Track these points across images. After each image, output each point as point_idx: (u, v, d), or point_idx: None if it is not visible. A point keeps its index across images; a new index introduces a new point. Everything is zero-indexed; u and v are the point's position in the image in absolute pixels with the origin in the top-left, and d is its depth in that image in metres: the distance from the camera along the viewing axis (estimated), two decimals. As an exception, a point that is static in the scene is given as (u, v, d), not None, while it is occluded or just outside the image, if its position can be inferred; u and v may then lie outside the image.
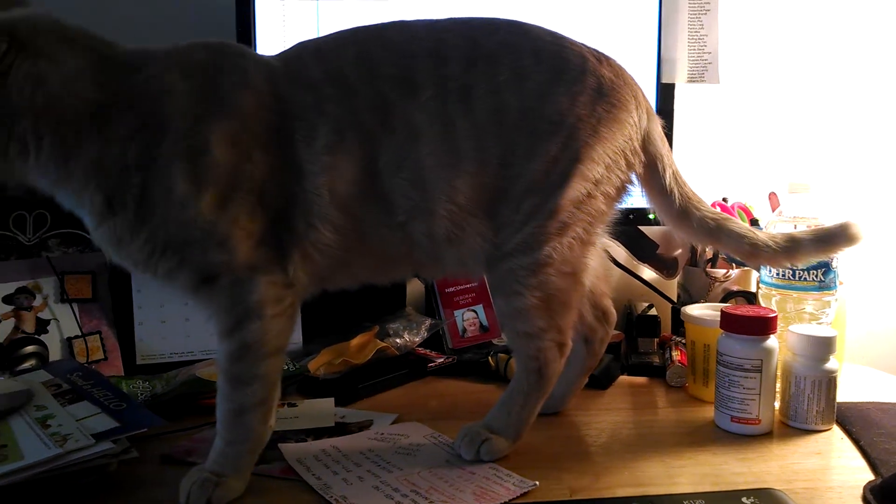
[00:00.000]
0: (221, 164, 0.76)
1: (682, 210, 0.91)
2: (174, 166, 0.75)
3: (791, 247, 0.91)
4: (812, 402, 0.94)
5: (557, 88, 0.82)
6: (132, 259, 0.79)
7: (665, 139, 0.91)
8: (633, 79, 0.88)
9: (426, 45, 0.82)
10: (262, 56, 0.84)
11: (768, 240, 0.91)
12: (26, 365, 1.03)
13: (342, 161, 0.79)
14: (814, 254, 0.92)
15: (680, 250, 1.31)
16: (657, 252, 1.29)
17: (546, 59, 0.83)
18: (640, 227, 1.25)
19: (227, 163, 0.76)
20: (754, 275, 1.25)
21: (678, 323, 1.22)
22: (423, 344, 1.19)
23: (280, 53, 0.85)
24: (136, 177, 0.75)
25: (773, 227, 1.06)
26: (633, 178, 0.88)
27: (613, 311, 1.01)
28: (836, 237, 0.90)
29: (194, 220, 0.76)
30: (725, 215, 0.93)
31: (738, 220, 0.93)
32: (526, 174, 0.82)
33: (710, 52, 1.20)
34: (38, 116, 0.74)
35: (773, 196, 1.25)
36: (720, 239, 0.92)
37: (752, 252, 0.91)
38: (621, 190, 0.87)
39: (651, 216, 1.15)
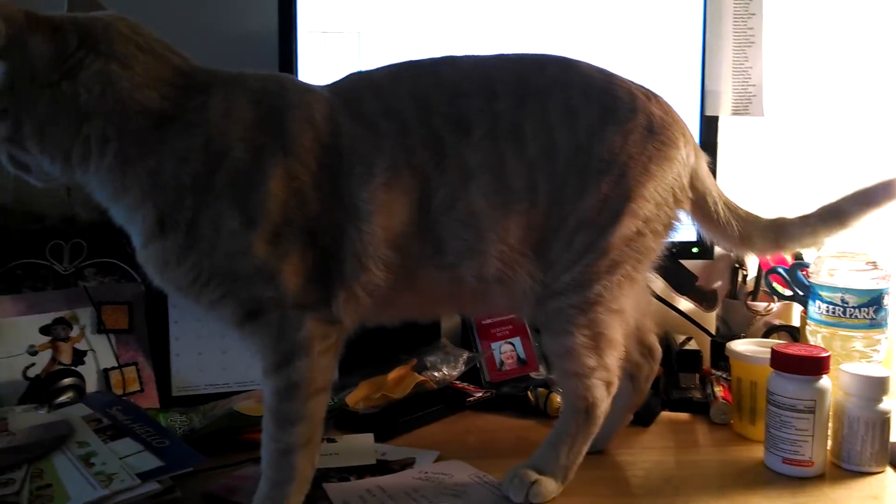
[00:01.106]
0: (277, 198, 0.75)
1: (745, 235, 0.92)
2: (229, 196, 0.74)
3: (839, 216, 0.90)
4: (866, 444, 0.91)
5: (608, 126, 0.81)
6: (176, 283, 0.78)
7: (711, 175, 0.91)
8: (679, 116, 0.87)
9: (477, 83, 0.82)
10: (321, 89, 0.83)
11: (820, 221, 0.91)
12: (64, 398, 1.02)
13: (398, 199, 0.78)
14: (861, 214, 0.91)
15: (719, 282, 1.29)
16: (696, 284, 1.27)
17: (596, 96, 0.82)
18: (679, 260, 1.23)
19: (282, 198, 0.75)
20: (796, 308, 1.23)
21: (718, 357, 1.20)
22: (460, 377, 1.18)
23: (334, 85, 0.84)
24: (189, 199, 0.74)
25: (822, 262, 1.05)
26: (681, 214, 0.87)
27: (659, 348, 1.00)
28: (877, 193, 0.90)
29: (244, 253, 0.74)
30: (778, 218, 0.93)
31: (789, 216, 0.93)
32: (577, 212, 0.81)
33: (754, 85, 1.19)
34: (106, 119, 0.73)
35: (815, 228, 1.23)
36: (784, 244, 0.93)
37: (814, 241, 0.92)
38: (668, 227, 0.86)
39: (695, 250, 1.14)
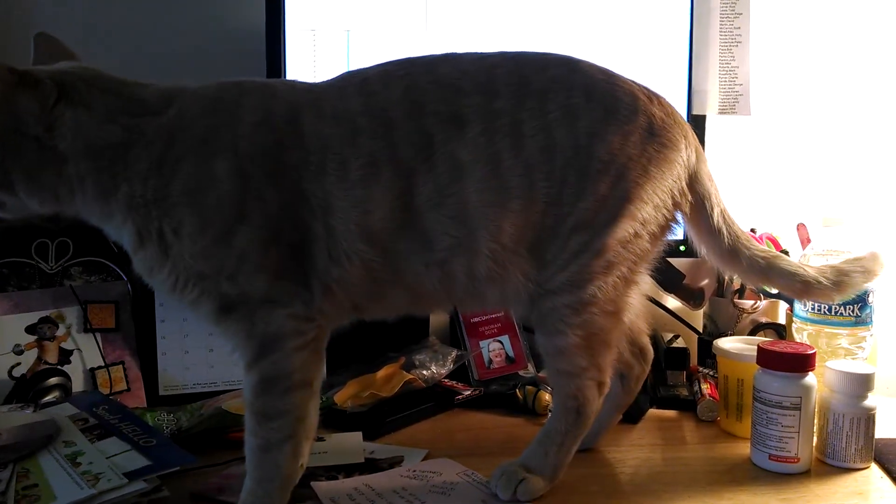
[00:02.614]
0: (230, 200, 0.77)
1: (732, 249, 0.90)
2: (183, 202, 0.77)
3: (843, 281, 0.90)
4: (851, 440, 0.92)
5: (609, 127, 0.81)
6: (163, 287, 0.81)
7: (713, 178, 0.90)
8: (682, 117, 0.88)
9: (476, 81, 0.82)
10: (296, 90, 0.83)
11: (819, 276, 0.90)
12: (50, 397, 1.02)
13: (376, 195, 0.79)
14: (864, 283, 0.91)
15: (706, 280, 1.30)
16: (683, 282, 1.27)
17: (597, 97, 0.82)
18: (666, 258, 1.24)
19: (235, 199, 0.77)
20: (783, 306, 1.24)
21: (704, 354, 1.21)
22: (449, 375, 1.18)
23: (325, 82, 0.85)
24: (154, 210, 0.77)
25: (807, 260, 1.05)
26: (679, 216, 0.87)
27: (651, 349, 1.00)
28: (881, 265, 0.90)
29: (203, 254, 0.77)
30: (775, 253, 0.92)
31: (788, 258, 0.92)
32: (574, 213, 0.81)
33: (741, 84, 1.20)
34: (79, 160, 0.78)
35: (801, 227, 1.24)
36: (771, 278, 0.91)
37: (804, 290, 0.91)
38: (666, 228, 0.86)
39: (681, 248, 1.14)
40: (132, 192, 0.78)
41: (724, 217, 0.90)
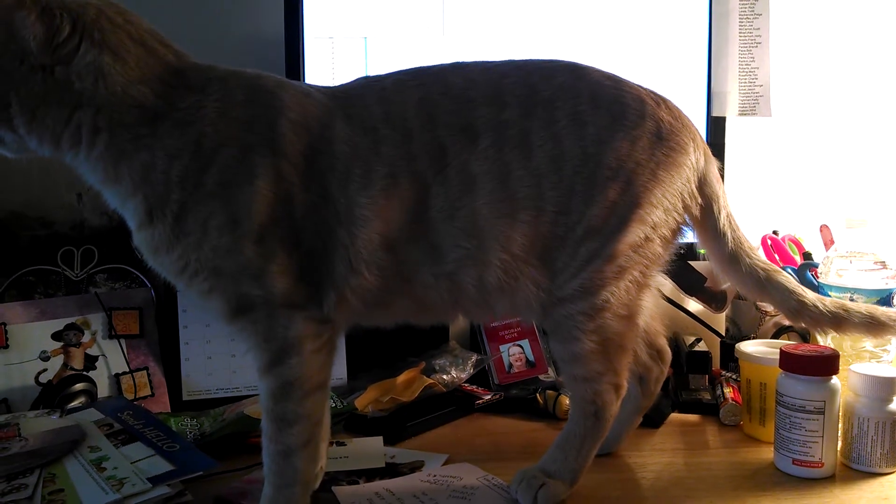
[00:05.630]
0: (265, 198, 0.75)
1: (733, 255, 0.90)
2: (218, 194, 0.75)
3: (841, 316, 0.89)
4: (876, 445, 0.91)
5: (616, 134, 0.81)
6: (166, 269, 0.79)
7: (721, 181, 0.90)
8: (690, 120, 0.87)
9: (485, 91, 0.82)
10: (321, 94, 0.82)
11: (817, 302, 0.89)
12: (76, 403, 1.03)
13: (395, 206, 0.79)
14: (862, 332, 0.90)
15: (728, 283, 1.29)
16: (705, 285, 1.27)
17: (604, 103, 0.82)
18: (688, 261, 1.23)
19: (270, 198, 0.76)
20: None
21: (727, 358, 1.20)
22: (469, 380, 1.18)
23: (340, 88, 0.84)
24: (176, 193, 0.75)
25: (830, 262, 1.04)
26: (688, 219, 0.87)
27: (668, 350, 0.99)
28: (891, 326, 0.89)
29: (230, 251, 0.75)
30: (776, 267, 0.91)
31: (789, 275, 0.91)
32: (584, 220, 0.81)
33: (761, 85, 1.19)
34: (98, 110, 0.74)
35: (824, 229, 1.23)
36: (767, 290, 0.90)
37: (799, 310, 0.89)
38: (677, 231, 0.86)
39: (702, 251, 1.14)
40: (153, 164, 0.74)
41: (729, 221, 0.90)
